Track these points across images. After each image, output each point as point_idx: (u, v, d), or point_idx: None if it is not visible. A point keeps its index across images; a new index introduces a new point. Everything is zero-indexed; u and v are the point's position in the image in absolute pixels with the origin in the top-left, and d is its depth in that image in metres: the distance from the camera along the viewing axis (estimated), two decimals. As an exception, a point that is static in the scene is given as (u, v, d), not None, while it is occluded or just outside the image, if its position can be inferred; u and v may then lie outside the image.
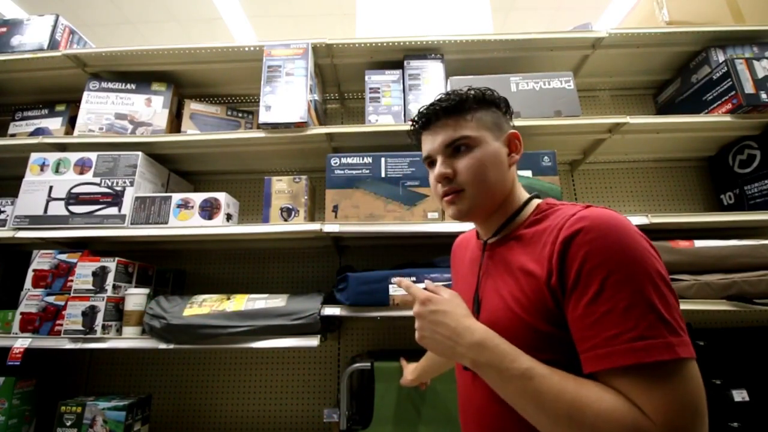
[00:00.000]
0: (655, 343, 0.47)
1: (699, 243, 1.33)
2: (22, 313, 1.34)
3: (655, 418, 0.46)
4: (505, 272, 0.66)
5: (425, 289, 0.68)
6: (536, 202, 0.71)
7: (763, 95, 1.39)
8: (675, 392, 0.47)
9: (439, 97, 0.72)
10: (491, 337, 0.58)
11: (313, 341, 1.22)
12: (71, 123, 1.68)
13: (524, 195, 0.73)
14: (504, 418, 0.60)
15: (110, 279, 1.33)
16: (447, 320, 0.61)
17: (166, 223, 1.40)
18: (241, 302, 1.29)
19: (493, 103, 0.73)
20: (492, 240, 0.73)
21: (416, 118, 0.75)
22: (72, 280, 1.33)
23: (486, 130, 0.70)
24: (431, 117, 0.72)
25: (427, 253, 1.69)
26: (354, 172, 1.41)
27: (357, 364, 1.35)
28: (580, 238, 0.54)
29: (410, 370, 1.16)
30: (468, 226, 0.98)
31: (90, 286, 1.32)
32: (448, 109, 0.70)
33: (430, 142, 0.72)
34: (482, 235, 0.76)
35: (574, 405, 0.49)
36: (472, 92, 0.71)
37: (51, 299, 1.35)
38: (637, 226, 1.34)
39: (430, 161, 0.74)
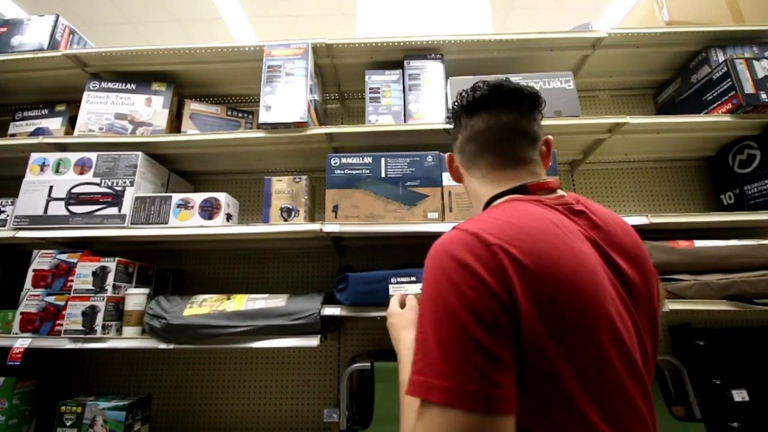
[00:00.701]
0: (421, 381, 0.46)
1: (699, 243, 1.33)
2: (22, 313, 1.34)
3: None
4: None
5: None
6: (488, 208, 0.67)
7: (763, 95, 1.39)
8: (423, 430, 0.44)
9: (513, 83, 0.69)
10: (405, 348, 0.65)
11: (313, 341, 1.22)
12: (71, 123, 1.68)
13: (487, 196, 0.70)
14: None
15: (110, 279, 1.33)
16: (392, 330, 0.74)
17: (166, 223, 1.40)
18: (241, 302, 1.29)
19: (454, 124, 0.77)
20: None
21: (473, 94, 0.71)
22: (72, 280, 1.33)
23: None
24: (499, 98, 0.69)
25: (427, 254, 1.69)
26: (354, 172, 1.41)
27: (357, 364, 1.35)
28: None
29: None
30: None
31: (90, 286, 1.32)
32: (524, 97, 0.68)
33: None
34: None
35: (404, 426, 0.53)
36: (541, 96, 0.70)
37: (51, 299, 1.35)
38: (637, 226, 1.32)
39: None
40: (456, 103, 0.74)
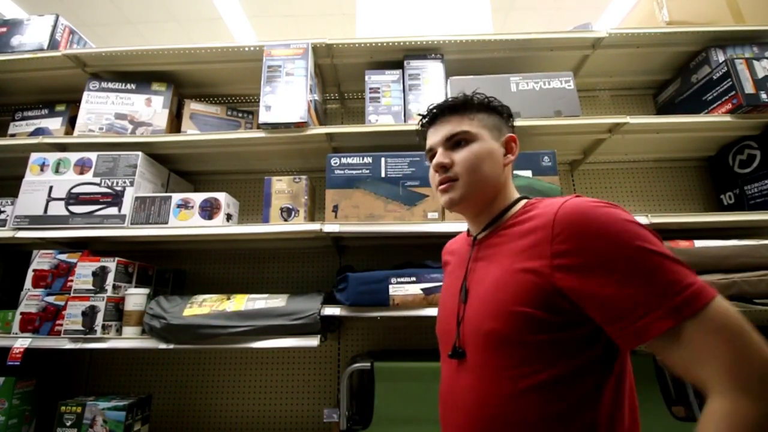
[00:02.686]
0: (698, 289, 0.50)
1: (699, 243, 1.33)
2: (22, 313, 1.34)
3: (738, 375, 0.47)
4: (494, 262, 0.68)
5: None
6: (525, 201, 0.74)
7: (763, 95, 1.39)
8: (734, 321, 0.49)
9: (445, 99, 0.79)
10: None
11: (313, 341, 1.22)
12: (71, 123, 1.68)
13: (515, 196, 0.76)
14: (487, 405, 0.63)
15: (110, 279, 1.33)
16: None
17: (166, 223, 1.40)
18: (241, 302, 1.29)
19: (495, 110, 0.78)
20: (481, 235, 0.76)
21: (423, 115, 0.81)
22: (72, 280, 1.33)
23: (485, 129, 0.75)
24: (437, 114, 0.78)
25: (427, 253, 1.68)
26: (354, 172, 1.41)
27: (357, 364, 1.35)
28: (577, 225, 0.57)
29: None
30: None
31: (90, 286, 1.32)
32: (453, 107, 0.77)
33: (433, 136, 0.78)
34: (472, 231, 0.80)
35: None
36: (478, 96, 0.77)
37: (51, 299, 1.35)
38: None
39: (432, 154, 0.78)
40: (509, 111, 0.81)
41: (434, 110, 0.78)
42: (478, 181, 0.72)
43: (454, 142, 0.74)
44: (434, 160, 0.75)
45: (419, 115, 0.83)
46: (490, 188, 0.74)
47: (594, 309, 0.55)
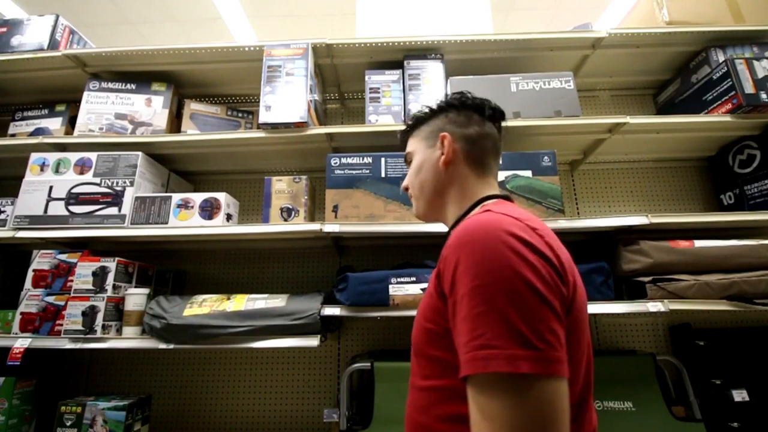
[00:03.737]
0: (497, 354, 0.44)
1: (699, 243, 1.33)
2: (22, 313, 1.34)
3: None
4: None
5: None
6: (488, 203, 0.70)
7: (763, 95, 1.39)
8: (510, 409, 0.43)
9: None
10: None
11: (313, 341, 1.22)
12: (71, 123, 1.68)
13: (479, 195, 0.72)
14: (411, 402, 0.64)
15: (110, 279, 1.33)
16: None
17: (166, 223, 1.40)
18: (241, 302, 1.29)
19: (441, 110, 0.80)
20: None
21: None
22: (72, 280, 1.33)
23: (422, 141, 0.80)
24: (401, 139, 0.88)
25: (427, 253, 1.69)
26: (354, 172, 1.41)
27: (357, 364, 1.35)
28: (455, 244, 0.54)
29: None
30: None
31: (90, 286, 1.32)
32: (404, 132, 0.86)
33: None
34: None
35: None
36: (421, 112, 0.82)
37: (51, 299, 1.35)
38: (636, 226, 1.32)
39: None
40: (474, 100, 0.79)
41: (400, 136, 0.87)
42: (421, 195, 0.78)
43: (408, 162, 0.83)
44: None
45: (479, 99, 0.82)
46: (435, 196, 0.76)
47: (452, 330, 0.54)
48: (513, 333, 0.44)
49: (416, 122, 0.82)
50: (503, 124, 0.81)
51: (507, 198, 0.73)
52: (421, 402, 0.60)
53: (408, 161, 0.82)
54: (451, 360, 0.53)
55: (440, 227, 1.30)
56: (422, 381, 0.60)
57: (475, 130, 0.75)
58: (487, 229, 0.52)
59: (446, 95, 0.81)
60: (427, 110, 0.81)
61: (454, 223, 0.73)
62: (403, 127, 1.44)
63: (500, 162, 0.81)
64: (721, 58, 1.55)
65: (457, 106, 0.79)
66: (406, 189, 0.82)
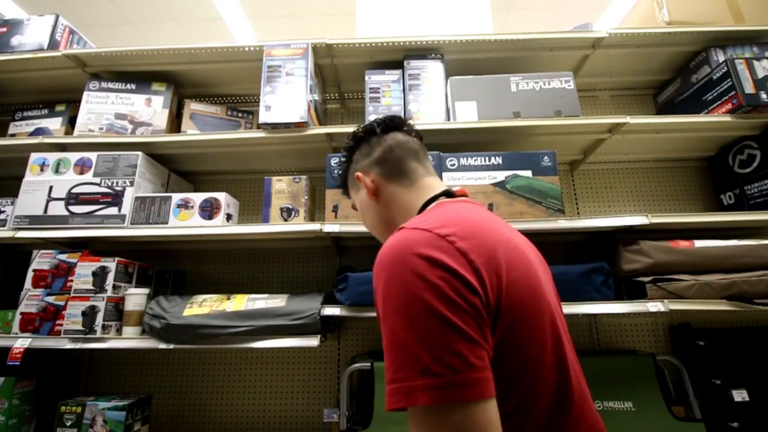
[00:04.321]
0: (398, 388, 0.43)
1: (699, 243, 1.33)
2: (22, 313, 1.34)
3: None
4: None
5: None
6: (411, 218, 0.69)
7: (763, 95, 1.39)
8: None
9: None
10: None
11: (313, 341, 1.22)
12: (71, 123, 1.68)
13: (418, 204, 0.71)
14: None
15: (110, 279, 1.33)
16: None
17: (166, 223, 1.40)
18: (241, 302, 1.29)
19: (348, 160, 0.84)
20: None
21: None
22: (72, 280, 1.33)
23: (352, 191, 0.85)
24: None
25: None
26: (354, 172, 1.41)
27: (357, 364, 1.35)
28: (374, 270, 0.53)
29: None
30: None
31: (90, 286, 1.32)
32: (345, 195, 0.90)
33: None
34: None
35: None
36: (339, 171, 0.86)
37: (51, 299, 1.35)
38: (636, 226, 1.32)
39: None
40: (365, 127, 0.82)
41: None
42: (376, 232, 0.80)
43: None
44: None
45: (368, 123, 0.84)
46: (385, 228, 0.77)
47: None
48: (413, 362, 0.43)
49: (342, 182, 0.88)
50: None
51: (447, 194, 0.70)
52: None
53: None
54: None
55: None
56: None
57: (378, 151, 0.77)
58: (393, 252, 0.51)
59: (353, 135, 0.83)
60: (342, 169, 0.87)
61: None
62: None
63: (428, 158, 0.80)
64: (721, 58, 1.55)
65: (354, 145, 0.82)
66: None
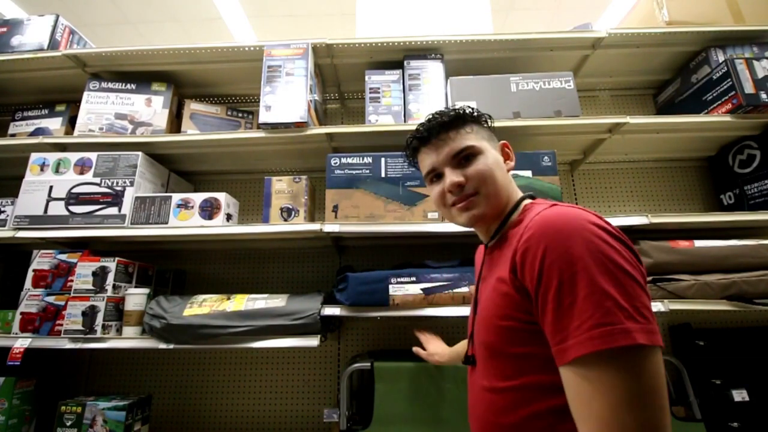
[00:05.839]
0: (611, 330, 0.47)
1: (699, 243, 1.33)
2: (22, 313, 1.34)
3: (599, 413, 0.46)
4: (493, 272, 0.68)
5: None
6: (525, 203, 0.73)
7: (763, 95, 1.39)
8: (627, 381, 0.46)
9: (432, 116, 0.77)
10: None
11: (313, 341, 1.22)
12: (71, 123, 1.68)
13: (516, 198, 0.75)
14: (488, 406, 0.64)
15: (110, 279, 1.33)
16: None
17: (166, 223, 1.40)
18: (241, 302, 1.29)
19: (482, 119, 0.79)
20: (491, 243, 0.76)
21: (414, 135, 0.79)
22: (72, 280, 1.33)
23: (485, 140, 0.76)
24: (432, 132, 0.75)
25: (427, 253, 1.69)
26: (354, 172, 1.41)
27: (357, 364, 1.35)
28: (539, 237, 0.55)
29: (439, 352, 1.18)
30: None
31: (90, 286, 1.32)
32: (447, 124, 0.75)
33: (434, 156, 0.75)
34: (483, 240, 0.80)
35: None
36: (466, 108, 0.77)
37: (51, 299, 1.35)
38: (636, 226, 1.33)
39: (435, 174, 0.76)
40: (488, 120, 0.81)
41: (428, 128, 0.76)
42: (496, 192, 0.71)
43: (463, 158, 0.73)
44: (448, 181, 0.71)
45: (408, 140, 0.80)
46: (504, 197, 0.73)
47: (540, 322, 0.55)
48: (621, 310, 0.48)
49: (469, 118, 0.77)
50: (504, 124, 0.82)
51: (531, 196, 0.75)
52: (501, 403, 0.61)
53: (464, 154, 0.73)
54: (540, 353, 0.55)
55: (440, 227, 1.30)
56: (502, 382, 0.61)
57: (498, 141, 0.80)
58: (568, 219, 0.55)
59: (459, 110, 0.77)
60: (476, 112, 0.78)
61: (501, 224, 0.72)
62: (402, 128, 1.46)
63: None
64: (721, 58, 1.55)
65: (491, 121, 0.81)
66: (461, 185, 0.71)
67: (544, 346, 0.54)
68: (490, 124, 0.80)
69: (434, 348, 1.21)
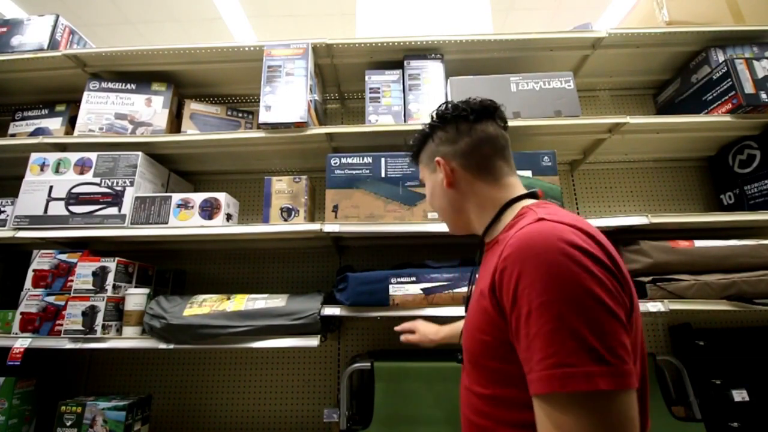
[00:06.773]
0: (575, 372, 0.44)
1: (699, 243, 1.33)
2: (22, 313, 1.34)
3: None
4: (482, 279, 0.67)
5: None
6: (522, 204, 0.69)
7: (763, 95, 1.39)
8: (588, 426, 0.43)
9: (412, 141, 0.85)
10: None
11: (313, 341, 1.22)
12: (71, 123, 1.68)
13: (501, 200, 0.71)
14: (468, 405, 0.66)
15: (110, 279, 1.33)
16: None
17: (166, 223, 1.40)
18: (241, 302, 1.29)
19: (430, 134, 0.79)
20: (487, 239, 0.75)
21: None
22: (72, 280, 1.33)
23: (425, 168, 0.81)
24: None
25: (427, 253, 1.69)
26: (354, 172, 1.41)
27: (357, 364, 1.35)
28: (515, 257, 0.52)
29: (433, 331, 1.16)
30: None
31: (90, 286, 1.32)
32: (411, 160, 0.87)
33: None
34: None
35: None
36: (411, 142, 0.84)
37: (51, 299, 1.35)
38: (636, 226, 1.32)
39: None
40: (456, 109, 0.75)
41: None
42: (443, 216, 0.80)
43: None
44: None
45: (465, 102, 0.77)
46: (454, 215, 0.77)
47: (515, 345, 0.53)
48: (586, 350, 0.45)
49: (415, 151, 0.84)
50: None
51: (533, 195, 0.71)
52: (480, 407, 0.61)
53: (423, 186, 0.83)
54: (512, 371, 0.54)
55: (440, 227, 1.30)
56: (480, 388, 0.61)
57: (465, 142, 0.73)
58: (547, 240, 0.51)
59: (409, 144, 0.84)
60: (418, 137, 0.82)
61: (485, 230, 0.72)
62: (402, 128, 1.47)
63: (511, 154, 0.76)
64: (721, 58, 1.55)
65: (440, 125, 0.77)
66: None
67: (519, 365, 0.52)
68: (433, 133, 0.78)
69: (425, 329, 1.17)
